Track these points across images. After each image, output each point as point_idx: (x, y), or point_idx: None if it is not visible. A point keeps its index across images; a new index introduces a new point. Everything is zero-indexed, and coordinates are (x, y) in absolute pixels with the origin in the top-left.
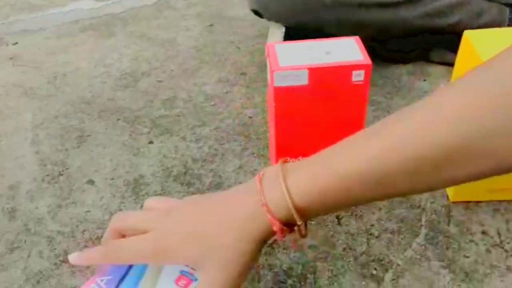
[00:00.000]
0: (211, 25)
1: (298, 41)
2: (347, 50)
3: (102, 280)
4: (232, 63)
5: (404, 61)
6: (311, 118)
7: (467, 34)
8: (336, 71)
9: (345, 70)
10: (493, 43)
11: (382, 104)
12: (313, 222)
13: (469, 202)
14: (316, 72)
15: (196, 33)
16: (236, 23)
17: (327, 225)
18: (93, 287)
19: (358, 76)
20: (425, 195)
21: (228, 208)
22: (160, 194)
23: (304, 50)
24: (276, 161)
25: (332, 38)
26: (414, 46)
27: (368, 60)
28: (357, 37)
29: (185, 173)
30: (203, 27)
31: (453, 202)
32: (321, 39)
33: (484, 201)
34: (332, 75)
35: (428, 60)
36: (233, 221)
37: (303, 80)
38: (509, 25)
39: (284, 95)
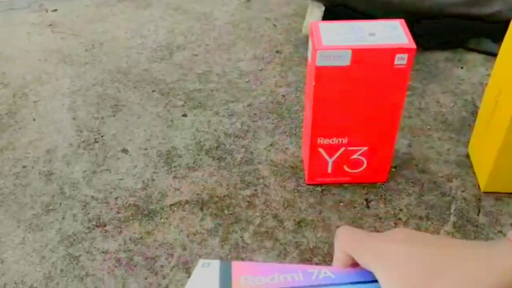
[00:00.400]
0: (248, 0)
1: (342, 21)
2: (392, 33)
3: (325, 273)
4: (268, 41)
5: (442, 47)
6: (350, 99)
7: None
8: (379, 53)
9: (389, 53)
10: None
11: (418, 90)
12: (341, 203)
13: (500, 193)
14: (359, 53)
15: (233, 8)
16: (273, 0)
17: (356, 207)
18: (310, 273)
19: (401, 60)
20: (456, 183)
21: (471, 264)
22: (191, 167)
23: (348, 31)
24: (311, 141)
25: (376, 19)
26: (454, 33)
27: (412, 44)
28: (402, 19)
29: (217, 147)
30: (239, 2)
31: (484, 193)
32: (365, 20)
33: None
34: (375, 57)
35: (466, 48)
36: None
37: (345, 60)
38: None
39: (325, 75)
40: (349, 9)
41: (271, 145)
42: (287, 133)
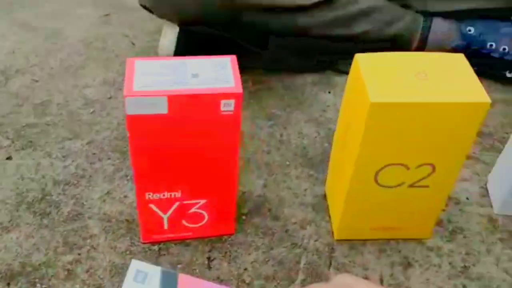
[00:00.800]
0: (107, 14)
1: (166, 58)
2: (218, 73)
3: None
4: (122, 62)
5: (311, 70)
6: (176, 150)
7: (357, 57)
8: (200, 99)
9: (212, 98)
10: (380, 68)
11: (281, 119)
12: (179, 266)
13: (354, 240)
14: (176, 100)
15: (88, 24)
16: (136, 14)
17: (195, 269)
18: None
19: (227, 106)
20: (310, 231)
21: None
22: (6, 227)
23: (168, 71)
24: (139, 197)
25: (204, 56)
26: (321, 54)
27: (239, 88)
28: (234, 56)
29: (41, 199)
30: (98, 16)
31: (338, 241)
32: (191, 57)
33: (371, 240)
34: (196, 104)
35: (336, 69)
36: None
37: (162, 108)
38: (422, 34)
39: (140, 124)
40: (206, 30)
41: (107, 193)
42: (128, 177)
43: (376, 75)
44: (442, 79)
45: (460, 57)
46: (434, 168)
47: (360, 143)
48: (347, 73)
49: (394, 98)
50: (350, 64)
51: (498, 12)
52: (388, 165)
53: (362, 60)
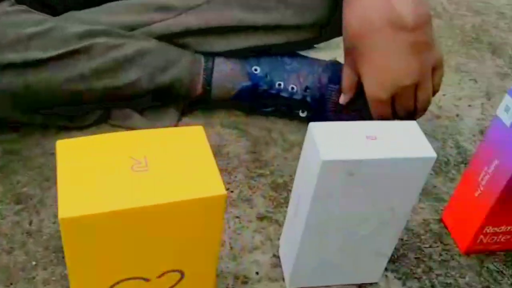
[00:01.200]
0: None
1: None
2: None
3: None
4: None
5: (81, 127)
6: None
7: (58, 145)
8: None
9: None
10: (82, 161)
11: (33, 200)
12: None
13: None
14: None
15: None
16: None
17: None
18: None
19: None
20: None
21: None
22: None
23: None
24: None
25: None
26: (91, 107)
27: None
28: None
29: None
30: None
31: None
32: None
33: None
34: None
35: (110, 124)
36: None
37: None
38: (204, 77)
39: None
40: None
41: None
42: None
43: (77, 173)
44: (165, 167)
45: (197, 131)
46: (183, 273)
47: (67, 262)
48: (122, 127)
49: (95, 207)
50: (124, 116)
51: (279, 48)
52: (119, 282)
53: (62, 151)
